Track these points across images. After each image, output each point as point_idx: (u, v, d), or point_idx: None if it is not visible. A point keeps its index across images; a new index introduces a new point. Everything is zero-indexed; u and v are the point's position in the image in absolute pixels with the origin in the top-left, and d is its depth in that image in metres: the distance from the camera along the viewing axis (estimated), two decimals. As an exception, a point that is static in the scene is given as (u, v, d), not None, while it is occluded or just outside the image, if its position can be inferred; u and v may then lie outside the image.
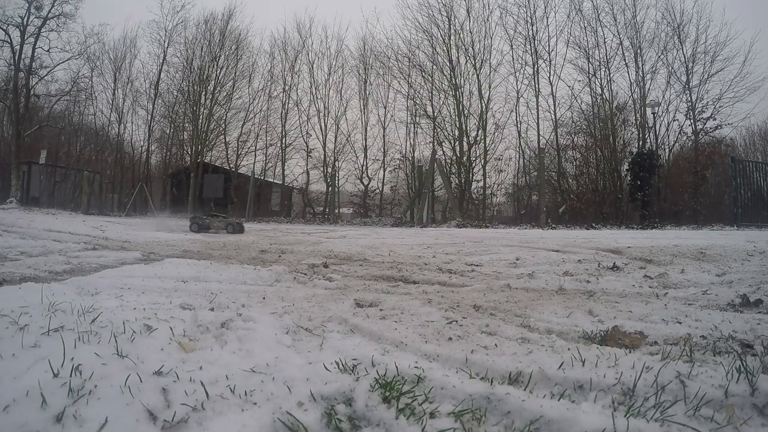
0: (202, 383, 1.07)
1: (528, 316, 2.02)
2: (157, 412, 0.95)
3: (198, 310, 1.73)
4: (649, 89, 17.62)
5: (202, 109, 20.73)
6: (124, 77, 21.34)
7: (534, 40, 18.54)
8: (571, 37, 18.41)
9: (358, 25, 42.02)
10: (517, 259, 4.33)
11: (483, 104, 18.66)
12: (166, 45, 20.97)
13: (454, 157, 18.86)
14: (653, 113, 16.39)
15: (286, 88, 20.87)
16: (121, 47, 21.34)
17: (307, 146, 20.67)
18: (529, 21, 18.58)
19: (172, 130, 21.69)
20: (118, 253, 4.30)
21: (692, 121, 16.86)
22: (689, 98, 16.92)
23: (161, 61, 20.96)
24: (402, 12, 33.88)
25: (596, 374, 1.19)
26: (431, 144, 19.00)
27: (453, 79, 18.93)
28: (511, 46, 18.76)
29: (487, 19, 18.89)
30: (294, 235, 8.35)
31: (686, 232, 9.53)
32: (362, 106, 20.52)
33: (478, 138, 18.74)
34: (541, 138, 18.48)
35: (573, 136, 18.52)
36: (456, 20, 19.06)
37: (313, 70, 20.90)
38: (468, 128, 18.81)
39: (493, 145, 18.97)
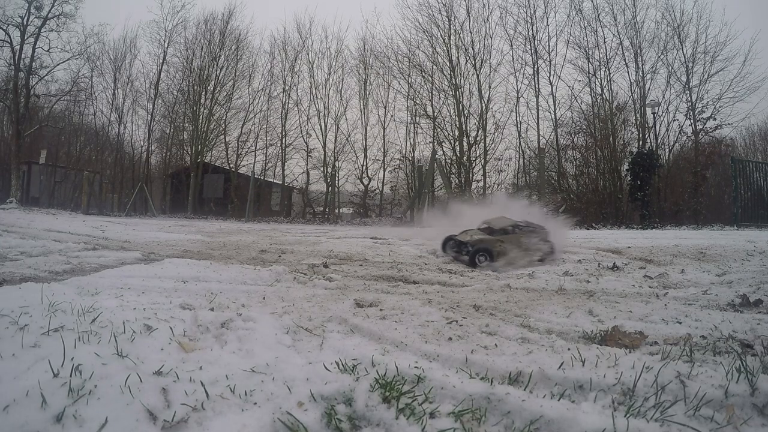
0: (202, 383, 1.07)
1: (528, 316, 2.02)
2: (157, 412, 0.95)
3: (198, 310, 1.73)
4: (649, 89, 17.63)
5: (202, 109, 20.72)
6: (124, 77, 21.33)
7: (534, 40, 18.55)
8: (571, 37, 18.43)
9: (358, 25, 41.92)
10: (517, 259, 4.32)
11: (483, 104, 18.67)
12: (166, 45, 20.96)
13: (454, 157, 18.85)
14: (653, 113, 16.39)
15: (286, 88, 20.84)
16: (121, 47, 21.32)
17: (307, 146, 20.65)
18: (529, 21, 18.59)
19: (172, 130, 21.67)
20: (118, 253, 4.30)
21: (692, 121, 16.86)
22: (689, 98, 16.94)
23: (161, 61, 20.95)
24: (402, 12, 33.91)
25: (596, 374, 1.19)
26: (431, 144, 18.99)
27: (453, 79, 18.93)
28: (511, 46, 18.77)
29: (487, 19, 18.90)
30: (294, 235, 8.34)
31: (686, 232, 9.53)
32: (362, 106, 20.50)
33: (478, 138, 18.74)
34: (541, 138, 18.50)
35: (573, 136, 18.51)
36: (456, 20, 19.06)
37: (313, 70, 20.88)
38: (468, 128, 18.81)
39: (493, 145, 18.97)
